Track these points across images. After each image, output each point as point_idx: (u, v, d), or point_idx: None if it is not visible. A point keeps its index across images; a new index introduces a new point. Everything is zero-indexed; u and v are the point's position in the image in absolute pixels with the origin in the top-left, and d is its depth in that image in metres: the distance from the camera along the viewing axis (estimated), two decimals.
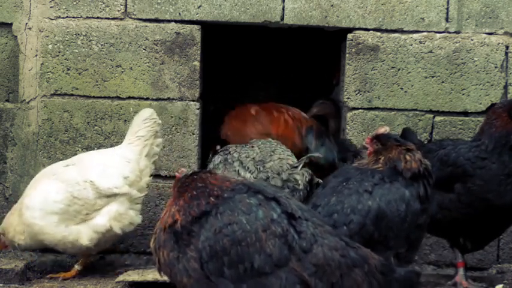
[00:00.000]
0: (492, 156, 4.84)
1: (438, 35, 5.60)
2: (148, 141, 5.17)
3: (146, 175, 5.15)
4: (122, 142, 5.26)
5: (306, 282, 3.36)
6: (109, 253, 5.67)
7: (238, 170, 5.17)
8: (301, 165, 5.08)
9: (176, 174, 3.79)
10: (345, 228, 3.95)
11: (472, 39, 5.60)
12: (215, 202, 3.51)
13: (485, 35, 5.61)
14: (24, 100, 5.64)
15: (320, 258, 3.40)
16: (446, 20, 5.60)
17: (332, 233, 3.53)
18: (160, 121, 5.27)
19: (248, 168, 5.16)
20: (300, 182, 5.02)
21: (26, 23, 5.60)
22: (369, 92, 5.63)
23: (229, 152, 5.35)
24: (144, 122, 5.20)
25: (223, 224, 3.43)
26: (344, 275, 3.41)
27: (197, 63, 5.62)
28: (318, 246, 3.42)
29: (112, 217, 4.99)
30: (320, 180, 5.01)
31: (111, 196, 4.99)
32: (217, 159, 5.40)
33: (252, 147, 5.32)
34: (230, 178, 3.67)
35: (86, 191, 4.95)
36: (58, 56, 5.59)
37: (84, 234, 4.96)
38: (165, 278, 3.67)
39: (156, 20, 5.59)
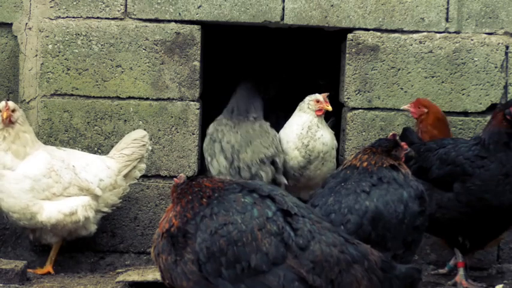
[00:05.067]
0: (490, 155, 4.84)
1: (438, 35, 5.59)
2: (131, 162, 5.25)
3: (115, 195, 5.24)
4: None
5: (304, 279, 3.36)
6: (109, 253, 5.67)
7: (216, 153, 5.36)
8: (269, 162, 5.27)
9: (174, 179, 3.79)
10: (342, 227, 3.95)
11: (472, 39, 5.60)
12: (207, 202, 3.51)
13: (485, 35, 5.60)
14: (24, 100, 5.63)
15: (318, 254, 3.39)
16: (446, 20, 5.59)
17: (330, 229, 3.53)
18: (150, 147, 5.35)
19: (226, 156, 5.32)
20: (264, 179, 5.17)
21: (26, 23, 5.60)
22: (369, 92, 5.62)
23: (217, 130, 5.47)
24: (133, 142, 5.28)
25: (219, 225, 3.43)
26: (343, 271, 3.40)
27: (197, 63, 5.62)
28: (316, 243, 3.42)
29: (81, 204, 5.06)
30: (285, 182, 5.32)
31: (83, 190, 5.08)
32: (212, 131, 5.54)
33: (237, 132, 5.42)
34: (224, 180, 3.68)
35: (66, 170, 5.07)
36: (58, 56, 5.59)
37: (45, 210, 5.00)
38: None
39: (156, 20, 5.59)
